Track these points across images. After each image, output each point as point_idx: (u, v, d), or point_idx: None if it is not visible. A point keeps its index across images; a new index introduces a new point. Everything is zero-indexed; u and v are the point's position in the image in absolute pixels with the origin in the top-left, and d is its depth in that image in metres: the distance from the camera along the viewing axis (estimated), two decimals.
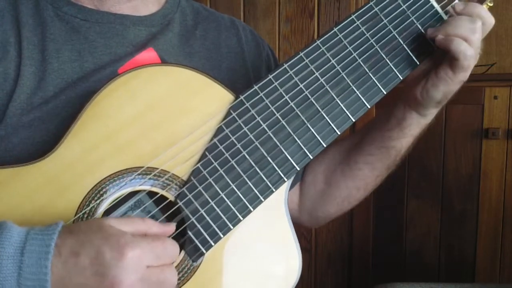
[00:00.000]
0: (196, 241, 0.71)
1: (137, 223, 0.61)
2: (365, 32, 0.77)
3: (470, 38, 0.73)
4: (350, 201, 0.93)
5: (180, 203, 0.71)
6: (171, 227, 0.65)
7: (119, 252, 0.56)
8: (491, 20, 0.77)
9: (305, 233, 2.12)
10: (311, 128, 0.75)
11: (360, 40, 0.77)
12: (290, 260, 0.77)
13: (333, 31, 0.76)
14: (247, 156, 0.73)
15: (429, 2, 0.79)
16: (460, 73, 0.75)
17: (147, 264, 0.58)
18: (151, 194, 0.71)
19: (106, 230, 0.58)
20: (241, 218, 0.72)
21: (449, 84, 0.77)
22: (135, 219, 0.62)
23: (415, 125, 0.85)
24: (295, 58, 0.75)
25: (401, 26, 0.78)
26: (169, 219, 0.71)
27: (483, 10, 0.77)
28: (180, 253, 0.70)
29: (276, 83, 0.74)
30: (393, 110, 0.86)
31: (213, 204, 0.71)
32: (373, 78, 0.77)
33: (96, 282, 0.56)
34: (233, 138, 0.73)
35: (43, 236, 0.57)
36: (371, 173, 0.90)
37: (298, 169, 0.75)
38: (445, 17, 0.79)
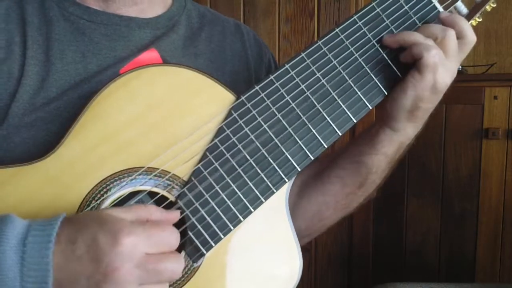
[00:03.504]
0: (197, 242, 0.71)
1: (138, 210, 0.60)
2: (367, 33, 0.77)
3: (420, 41, 0.72)
4: (320, 218, 0.90)
5: (181, 203, 0.71)
6: (175, 214, 0.63)
7: (113, 238, 0.55)
8: (472, 38, 0.76)
9: None
10: (312, 129, 0.75)
11: (362, 41, 0.77)
12: (291, 261, 0.76)
13: (334, 32, 0.76)
14: (248, 157, 0.73)
15: (432, 2, 0.79)
16: (426, 73, 0.72)
17: (144, 251, 0.57)
18: (151, 194, 0.71)
19: (103, 218, 0.58)
20: (242, 219, 0.72)
21: (416, 88, 0.73)
22: (136, 205, 0.61)
23: (387, 141, 0.81)
24: (297, 58, 0.75)
25: (403, 27, 0.78)
26: None
27: (466, 25, 0.76)
28: (180, 253, 0.70)
29: (277, 84, 0.74)
30: (371, 124, 0.84)
31: (214, 205, 0.71)
32: (375, 79, 0.77)
33: (92, 269, 0.55)
34: (234, 139, 0.73)
35: (45, 227, 0.57)
36: (341, 189, 0.87)
37: (299, 169, 0.74)
38: None
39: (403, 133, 0.80)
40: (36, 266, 0.55)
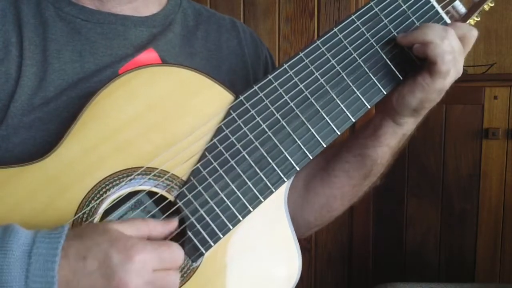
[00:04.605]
0: (196, 241, 0.71)
1: (140, 226, 0.62)
2: (365, 33, 0.77)
3: (438, 43, 0.71)
4: (329, 209, 0.91)
5: (180, 203, 0.71)
6: (173, 224, 0.66)
7: (126, 255, 0.57)
8: (472, 33, 0.75)
9: None
10: (311, 128, 0.75)
11: (360, 41, 0.77)
12: (290, 260, 0.77)
13: (333, 31, 0.76)
14: (246, 156, 0.73)
15: (430, 2, 0.79)
16: (438, 79, 0.73)
17: (153, 267, 0.59)
18: (150, 194, 0.71)
19: (112, 234, 0.59)
20: (241, 218, 0.72)
21: (426, 91, 0.74)
22: (137, 221, 0.63)
23: (391, 134, 0.82)
24: (295, 58, 0.75)
25: (402, 27, 0.78)
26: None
27: (461, 26, 0.76)
28: None
29: (276, 83, 0.74)
30: (372, 117, 0.85)
31: (213, 204, 0.71)
32: (373, 78, 0.77)
33: (103, 285, 0.56)
34: (232, 138, 0.73)
35: (50, 239, 0.57)
36: (347, 181, 0.88)
37: (298, 169, 0.75)
38: (445, 17, 0.79)
39: (406, 126, 0.82)
40: (41, 278, 0.55)
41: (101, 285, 0.56)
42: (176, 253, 0.62)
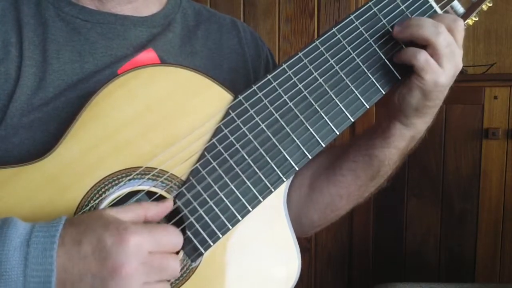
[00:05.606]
0: (195, 241, 0.71)
1: (134, 209, 0.63)
2: (364, 32, 0.77)
3: (433, 40, 0.71)
4: (333, 209, 0.91)
5: (179, 203, 0.71)
6: (169, 203, 0.66)
7: (119, 238, 0.57)
8: (458, 24, 0.74)
9: None
10: (309, 128, 0.75)
11: (359, 40, 0.77)
12: (290, 260, 0.77)
13: (332, 31, 0.76)
14: (245, 156, 0.73)
15: (428, 2, 0.79)
16: (426, 75, 0.72)
17: (148, 250, 0.59)
18: (150, 194, 0.71)
19: (106, 219, 0.59)
20: (240, 218, 0.73)
21: (421, 88, 0.74)
22: (131, 205, 0.63)
23: (399, 136, 0.81)
24: (294, 58, 0.75)
25: None
26: (168, 219, 0.71)
27: (449, 16, 0.75)
28: (179, 253, 0.71)
29: (275, 83, 0.74)
30: (381, 118, 0.85)
31: (212, 204, 0.71)
32: (372, 78, 0.77)
33: (98, 268, 0.57)
34: (232, 138, 0.73)
35: (48, 228, 0.58)
36: (354, 181, 0.88)
37: (297, 169, 0.75)
38: None
39: (414, 127, 0.81)
40: (39, 266, 0.56)
41: (95, 269, 0.56)
42: (173, 236, 0.62)
